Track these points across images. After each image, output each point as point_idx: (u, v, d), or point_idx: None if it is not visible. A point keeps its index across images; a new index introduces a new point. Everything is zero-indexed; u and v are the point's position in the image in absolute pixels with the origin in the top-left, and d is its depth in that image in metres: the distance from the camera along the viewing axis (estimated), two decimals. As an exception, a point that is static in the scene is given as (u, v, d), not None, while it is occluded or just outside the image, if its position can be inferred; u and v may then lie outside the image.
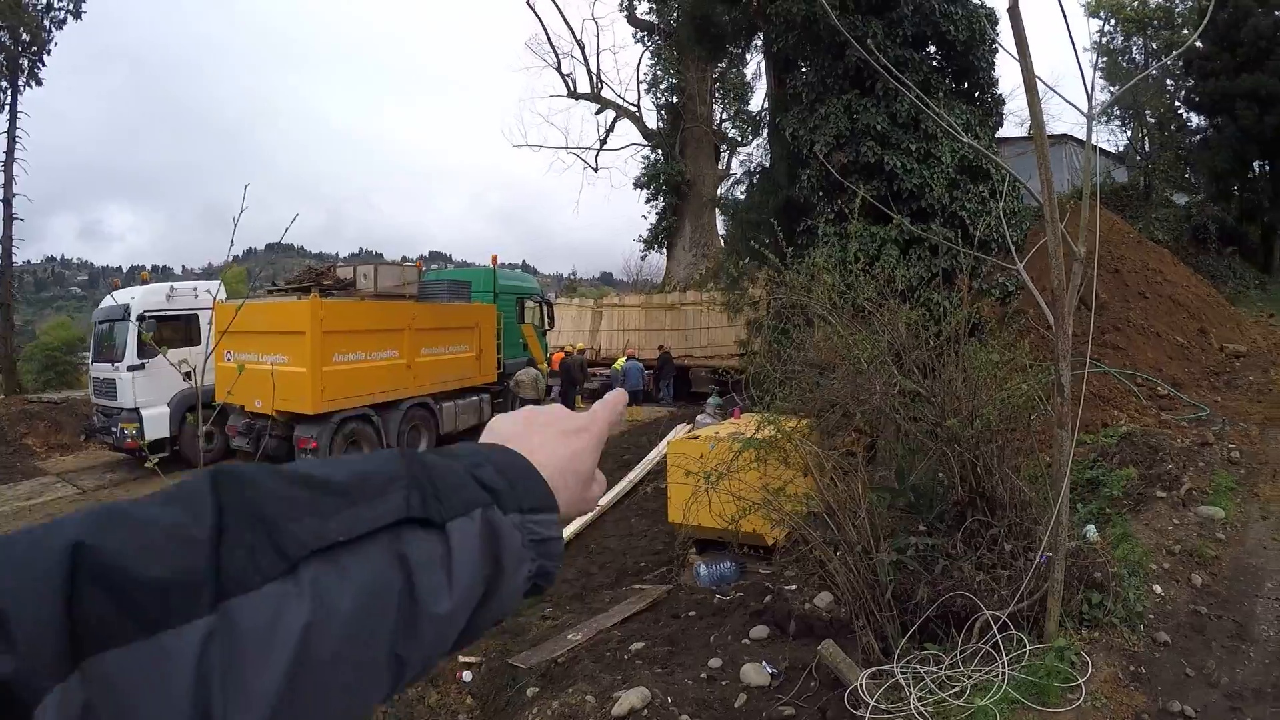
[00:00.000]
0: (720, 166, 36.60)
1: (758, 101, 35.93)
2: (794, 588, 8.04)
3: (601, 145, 40.75)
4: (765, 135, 22.47)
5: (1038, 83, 5.05)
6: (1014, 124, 30.91)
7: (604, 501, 13.33)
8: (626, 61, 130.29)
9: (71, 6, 26.67)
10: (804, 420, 7.27)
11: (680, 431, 15.75)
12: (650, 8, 35.06)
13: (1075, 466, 6.87)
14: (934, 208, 14.07)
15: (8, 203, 26.53)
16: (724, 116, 37.60)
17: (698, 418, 18.75)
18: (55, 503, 16.00)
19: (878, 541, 6.26)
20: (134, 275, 27.20)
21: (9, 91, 26.44)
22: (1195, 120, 33.08)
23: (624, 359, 26.12)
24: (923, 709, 5.08)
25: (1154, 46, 40.17)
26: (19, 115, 26.43)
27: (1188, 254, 26.52)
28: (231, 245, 3.56)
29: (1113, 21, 40.19)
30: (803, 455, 6.81)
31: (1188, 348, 16.04)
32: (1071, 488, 5.64)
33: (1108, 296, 16.06)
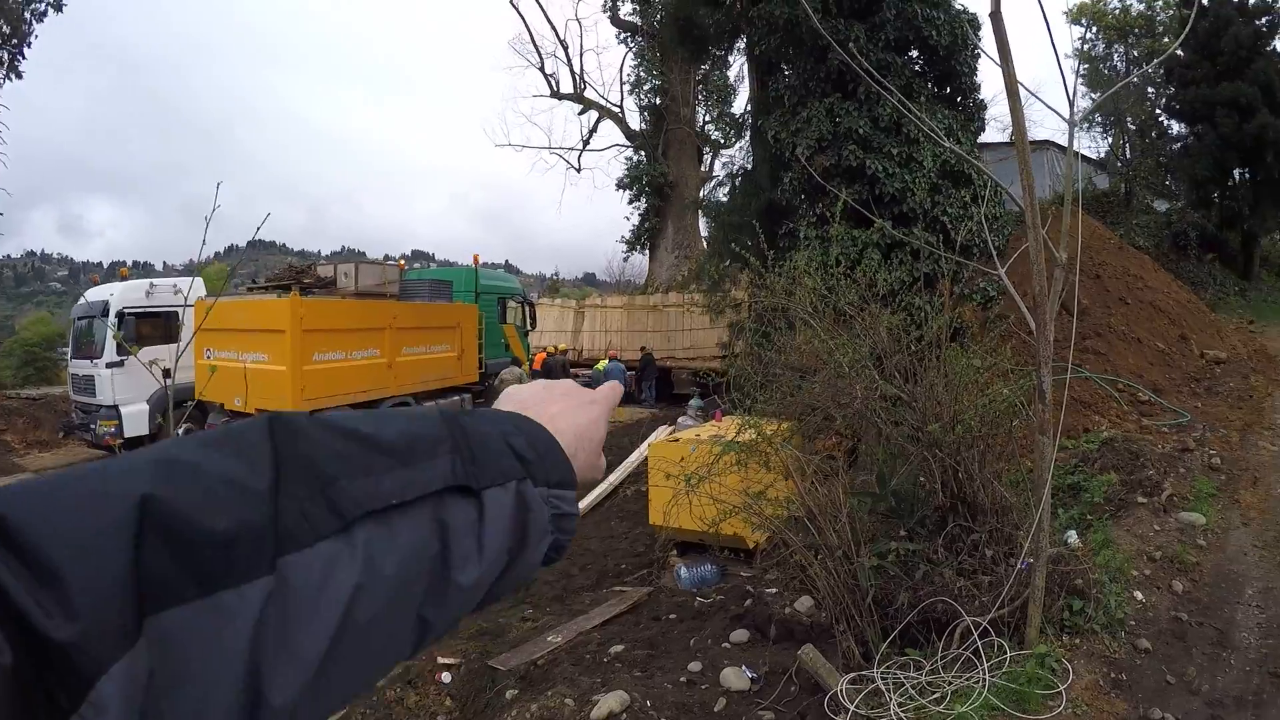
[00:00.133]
0: (703, 168, 36.67)
1: (740, 104, 36.05)
2: (775, 591, 8.02)
3: (584, 146, 40.80)
4: (748, 138, 22.54)
5: (1020, 88, 5.04)
6: (996, 129, 31.02)
7: (585, 503, 13.30)
8: (610, 62, 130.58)
9: (53, 0, 26.45)
10: (785, 424, 7.25)
11: (662, 433, 15.73)
12: (634, 9, 35.06)
13: (1056, 472, 6.86)
14: (916, 212, 14.09)
15: (-13, 196, 26.29)
16: (707, 118, 37.68)
17: (679, 419, 18.74)
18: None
19: (859, 546, 6.24)
20: (115, 271, 26.96)
21: (-11, 83, 26.22)
22: (1176, 128, 33.37)
23: (606, 360, 26.08)
24: (903, 715, 5.06)
25: (1135, 54, 40.51)
26: (-2, 108, 26.18)
27: (1168, 260, 26.70)
28: (204, 244, 3.49)
29: (1094, 29, 40.49)
30: (783, 459, 6.79)
31: (1168, 354, 16.12)
32: (1053, 493, 5.64)
33: (1089, 302, 16.12)
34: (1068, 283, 5.26)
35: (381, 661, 0.67)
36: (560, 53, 39.67)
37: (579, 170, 41.45)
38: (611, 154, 44.19)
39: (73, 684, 0.48)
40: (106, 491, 0.53)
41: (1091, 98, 36.46)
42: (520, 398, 0.99)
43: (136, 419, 16.89)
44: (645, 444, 14.97)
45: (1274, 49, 28.34)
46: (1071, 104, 5.16)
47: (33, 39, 26.43)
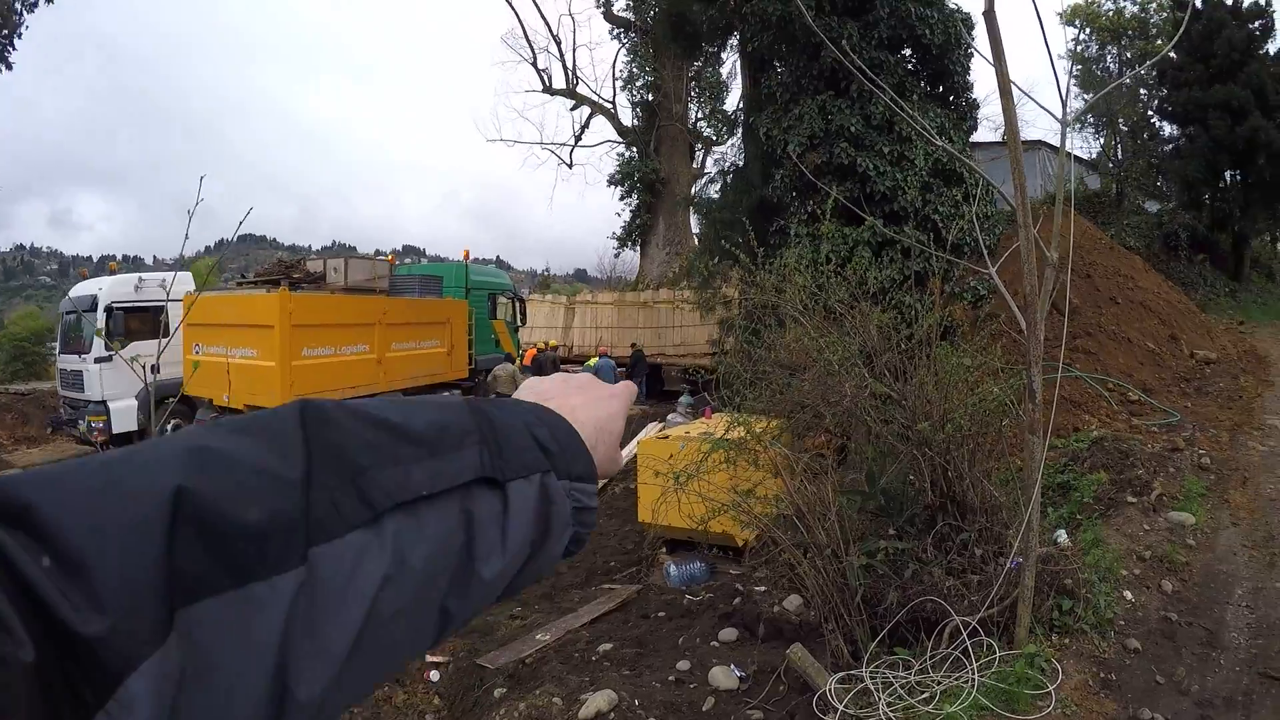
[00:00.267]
0: (695, 165, 36.65)
1: (733, 101, 36.11)
2: (764, 589, 8.01)
3: (576, 142, 40.85)
4: (740, 135, 22.53)
5: (1012, 88, 5.03)
6: (988, 129, 31.07)
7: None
8: (603, 58, 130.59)
9: (44, -11, 26.25)
10: (774, 421, 7.23)
11: (651, 430, 15.70)
12: (627, 4, 35.09)
13: (1046, 471, 6.86)
14: (907, 210, 14.12)
15: (-24, 189, 26.14)
16: (699, 115, 37.67)
17: (669, 416, 18.71)
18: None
19: (847, 545, 6.22)
20: (104, 265, 26.89)
21: (-23, 75, 26.05)
22: (1168, 129, 33.35)
23: (596, 357, 26.08)
24: (892, 715, 5.04)
25: (1128, 56, 40.57)
26: (-12, 100, 25.96)
27: (1159, 261, 26.75)
28: (186, 238, 3.44)
29: (1088, 30, 40.53)
30: (772, 456, 6.77)
31: (1159, 354, 16.14)
32: (1042, 492, 5.63)
33: (1080, 302, 16.13)
34: (1058, 282, 5.25)
35: (403, 653, 0.66)
36: (553, 48, 39.86)
37: (571, 166, 41.56)
38: (603, 150, 44.38)
39: (99, 680, 0.47)
40: (138, 482, 0.53)
41: (1084, 98, 36.52)
42: (541, 389, 0.98)
43: (125, 414, 16.84)
44: (635, 441, 14.95)
45: (1267, 52, 28.39)
46: (1064, 104, 5.14)
47: (23, 30, 26.27)
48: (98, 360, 16.70)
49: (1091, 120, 42.98)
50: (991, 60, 4.98)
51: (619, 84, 37.88)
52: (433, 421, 0.71)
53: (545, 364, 23.25)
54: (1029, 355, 5.14)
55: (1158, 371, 15.45)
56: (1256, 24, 28.52)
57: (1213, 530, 8.33)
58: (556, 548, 0.81)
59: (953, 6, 16.18)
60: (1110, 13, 40.81)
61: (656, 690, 6.27)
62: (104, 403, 16.82)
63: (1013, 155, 5.11)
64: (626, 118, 37.53)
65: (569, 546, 0.84)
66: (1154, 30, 39.05)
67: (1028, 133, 27.07)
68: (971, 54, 15.83)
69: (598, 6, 35.72)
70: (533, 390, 0.99)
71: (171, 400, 5.91)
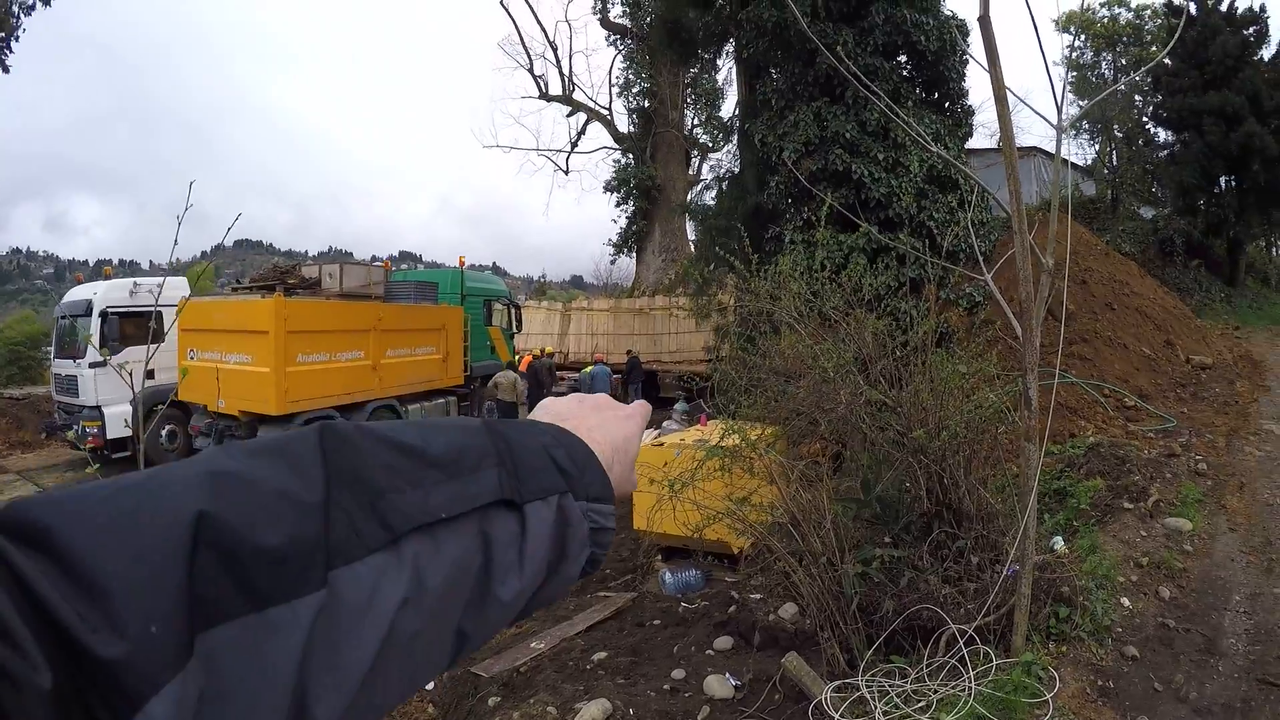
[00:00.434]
0: (691, 172, 36.69)
1: (729, 108, 36.01)
2: (759, 597, 7.97)
3: (572, 148, 40.83)
4: (736, 141, 22.53)
5: (1008, 94, 5.01)
6: (983, 135, 31.15)
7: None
8: (599, 65, 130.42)
9: (40, -8, 26.18)
10: (769, 429, 7.20)
11: (646, 437, 15.65)
12: (624, 11, 35.14)
13: (1042, 477, 6.84)
14: (902, 217, 14.14)
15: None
16: (695, 122, 37.70)
17: (664, 424, 18.68)
18: (15, 504, 15.72)
19: (843, 553, 6.20)
20: (100, 269, 26.80)
21: (-24, 79, 25.98)
22: (1163, 135, 33.50)
23: (592, 364, 26.07)
24: (887, 724, 5.01)
25: (1123, 62, 40.62)
26: (-14, 103, 25.93)
27: (1154, 267, 26.83)
28: (176, 243, 3.42)
29: (1083, 37, 40.58)
30: (767, 464, 6.74)
31: (1154, 359, 16.15)
32: (1038, 499, 5.60)
33: (1075, 308, 16.14)
34: (1054, 288, 5.24)
35: (421, 674, 0.66)
36: (549, 54, 39.77)
37: (567, 172, 41.53)
38: (599, 156, 44.28)
39: (119, 705, 0.47)
40: (159, 506, 0.53)
41: (1079, 105, 36.64)
42: (557, 410, 0.98)
43: (120, 420, 16.80)
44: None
45: (1261, 58, 28.49)
46: (1059, 110, 5.13)
47: (21, 32, 26.20)
48: (92, 365, 16.66)
49: (1087, 126, 43.05)
50: (986, 66, 4.96)
51: (615, 90, 37.96)
52: (451, 444, 0.71)
53: (541, 371, 23.20)
54: (1024, 361, 5.12)
55: (1153, 377, 15.46)
56: (1250, 30, 28.63)
57: (1210, 536, 8.32)
58: (573, 569, 0.81)
59: (948, 13, 16.22)
60: (1105, 19, 40.89)
61: (651, 699, 6.23)
62: (99, 408, 16.81)
63: (1008, 161, 5.09)
64: (623, 124, 37.59)
65: (585, 567, 0.83)
66: (1149, 37, 39.16)
67: (1023, 139, 27.16)
68: (967, 60, 15.87)
69: (594, 13, 35.82)
70: (549, 411, 0.98)
71: (160, 407, 5.85)
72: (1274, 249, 36.29)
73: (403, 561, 0.61)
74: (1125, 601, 6.68)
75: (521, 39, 38.75)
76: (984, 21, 4.85)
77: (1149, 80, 31.93)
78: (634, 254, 36.09)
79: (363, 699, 0.59)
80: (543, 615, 9.10)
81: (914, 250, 8.79)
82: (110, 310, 16.84)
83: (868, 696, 5.31)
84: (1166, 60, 28.32)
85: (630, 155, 35.61)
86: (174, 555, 0.50)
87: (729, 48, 20.56)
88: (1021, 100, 5.66)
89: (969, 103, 16.83)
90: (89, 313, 16.85)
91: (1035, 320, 5.09)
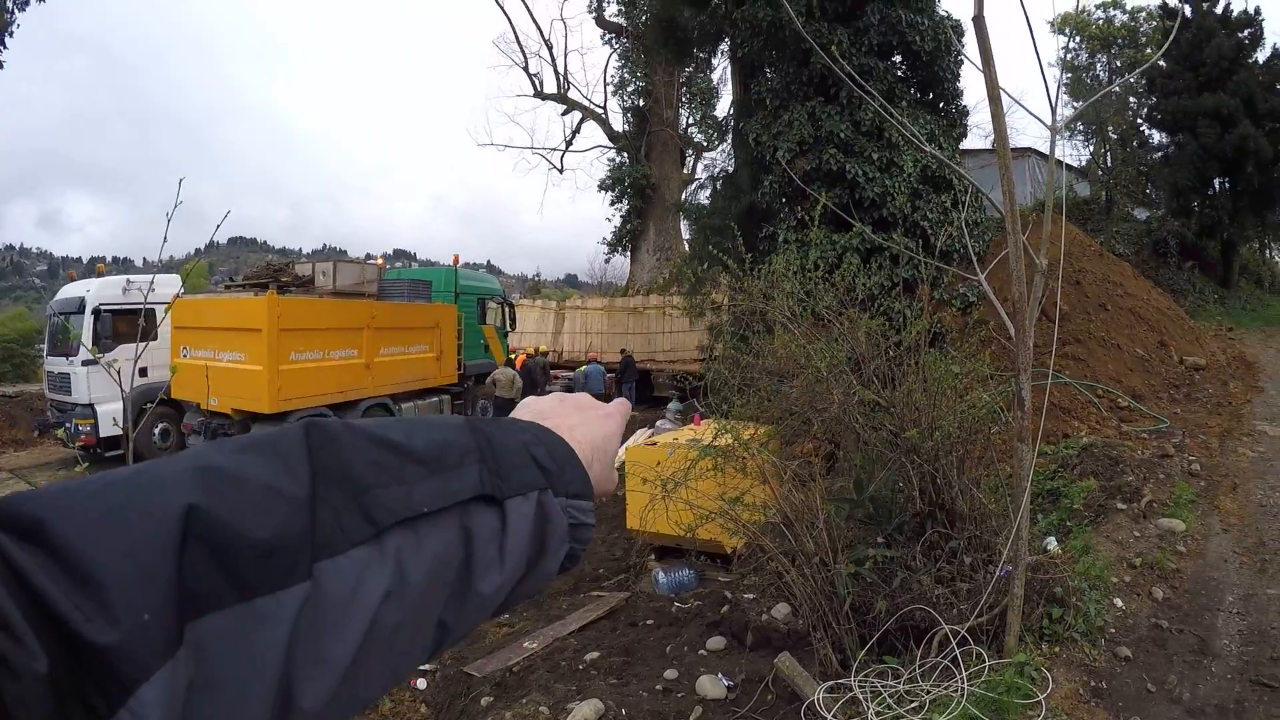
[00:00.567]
0: (685, 171, 36.71)
1: (724, 107, 36.03)
2: (752, 597, 7.97)
3: (567, 146, 40.85)
4: (730, 140, 22.55)
5: (1002, 95, 5.00)
6: (978, 136, 31.13)
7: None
8: (594, 63, 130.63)
9: (37, -13, 26.05)
10: (762, 428, 7.19)
11: (640, 436, 15.67)
12: (619, 10, 35.08)
13: (1036, 477, 6.85)
14: (895, 217, 14.15)
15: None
16: (690, 121, 37.69)
17: (657, 423, 18.69)
18: (8, 501, 15.71)
19: (836, 553, 6.19)
20: (94, 267, 26.77)
21: (-32, 75, 25.84)
22: (1157, 137, 33.51)
23: (586, 363, 26.06)
24: (879, 725, 5.01)
25: (1118, 64, 40.68)
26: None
27: (1148, 268, 26.86)
28: (165, 240, 3.41)
29: (1078, 39, 40.63)
30: (760, 464, 6.73)
31: (1148, 360, 16.18)
32: (1032, 499, 5.61)
33: (1069, 308, 16.16)
34: (1048, 289, 5.23)
35: (403, 665, 0.68)
36: (544, 53, 39.85)
37: (561, 171, 41.52)
38: (594, 155, 44.43)
39: (112, 689, 0.48)
40: (150, 500, 0.54)
41: (1074, 106, 36.66)
42: (538, 408, 1.00)
43: (113, 418, 16.75)
44: (623, 447, 14.91)
45: (1256, 61, 28.54)
46: (1054, 111, 5.13)
47: (15, 28, 26.10)
48: (85, 363, 16.61)
49: (1081, 128, 43.13)
50: (981, 66, 4.95)
51: (610, 89, 37.90)
52: (433, 441, 0.73)
53: (535, 370, 23.17)
54: (1018, 362, 5.12)
55: (1147, 378, 15.48)
56: (1245, 33, 28.69)
57: (1203, 537, 8.33)
58: (552, 564, 0.82)
59: (943, 13, 16.24)
60: (1100, 21, 40.96)
61: (644, 699, 6.22)
62: (91, 406, 16.77)
63: (1001, 161, 5.08)
64: (618, 123, 37.56)
65: (564, 563, 0.85)
66: (1144, 39, 39.25)
67: (1017, 140, 27.14)
68: (961, 61, 15.89)
69: (590, 11, 35.76)
70: (530, 409, 1.00)
71: (150, 405, 5.85)
72: (1267, 251, 36.36)
73: (385, 555, 0.63)
74: (1118, 602, 6.69)
75: (516, 37, 38.80)
76: (978, 22, 4.84)
77: (1144, 82, 31.98)
78: (628, 253, 36.08)
79: (346, 688, 0.60)
80: (536, 615, 9.10)
81: (908, 250, 8.76)
82: (103, 308, 16.77)
83: (860, 697, 5.30)
84: (1161, 62, 28.33)
85: (625, 154, 35.57)
86: (164, 547, 0.52)
87: (724, 47, 20.57)
88: (1016, 101, 5.67)
89: (964, 103, 16.86)
90: (82, 310, 16.80)
91: (1029, 321, 5.08)
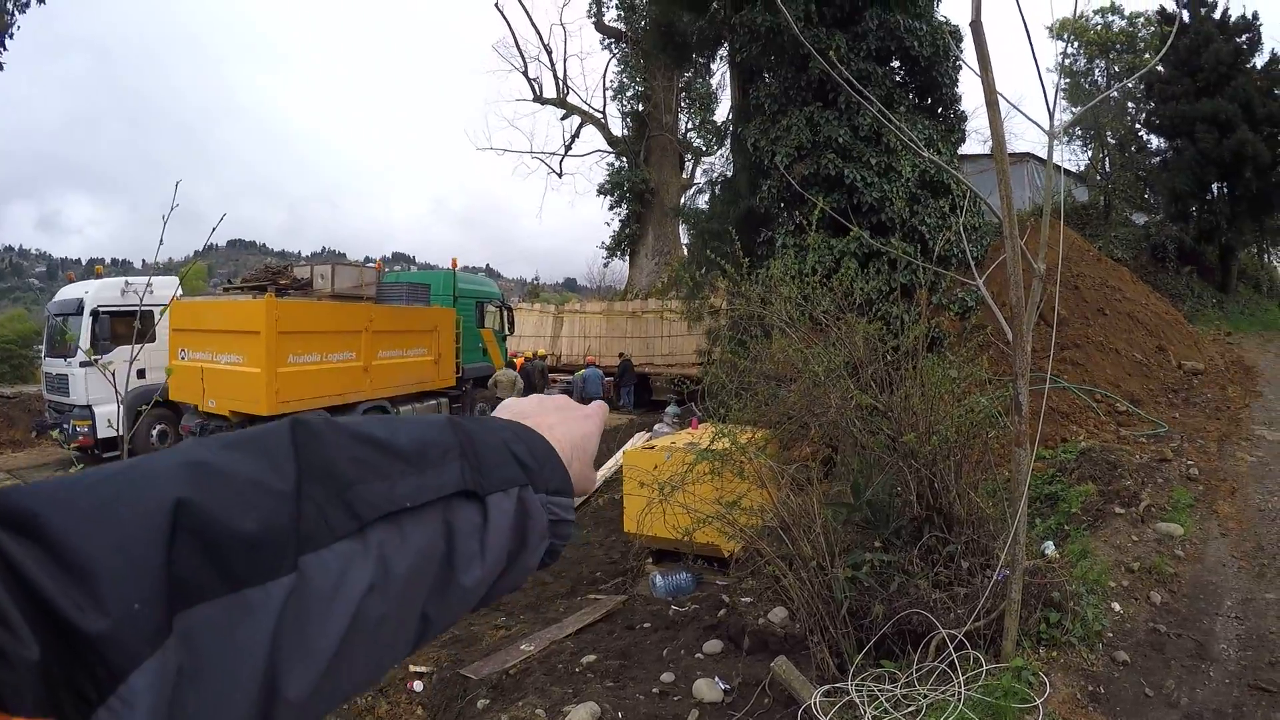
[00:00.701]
0: (684, 175, 36.77)
1: (723, 112, 36.11)
2: (749, 601, 7.96)
3: (566, 151, 40.97)
4: (729, 145, 22.57)
5: (1000, 99, 5.00)
6: (976, 141, 31.17)
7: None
8: (593, 68, 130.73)
9: (36, -10, 25.98)
10: (760, 433, 7.19)
11: (638, 440, 15.67)
12: (618, 15, 35.16)
13: (1033, 482, 6.84)
14: (894, 221, 14.16)
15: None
16: (689, 126, 37.80)
17: (655, 427, 18.70)
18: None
19: (833, 557, 6.18)
20: (92, 268, 26.75)
21: (-32, 77, 25.80)
22: (1155, 142, 33.45)
23: (585, 367, 26.07)
24: (876, 729, 5.00)
25: (1116, 70, 40.72)
26: (-23, 100, 25.79)
27: (1146, 272, 26.84)
28: (161, 243, 3.41)
29: (1076, 44, 40.69)
30: (757, 468, 6.73)
31: (1146, 365, 16.16)
32: (1030, 503, 5.60)
33: (1067, 313, 16.15)
34: (1046, 293, 5.23)
35: (387, 656, 0.69)
36: (544, 57, 39.87)
37: (560, 175, 41.71)
38: (593, 159, 44.55)
39: (102, 677, 0.49)
40: (140, 494, 0.55)
41: (1072, 111, 36.68)
42: (519, 408, 1.02)
43: (110, 419, 16.74)
44: (621, 451, 14.94)
45: (1254, 66, 28.50)
46: (1051, 116, 5.13)
47: (15, 29, 26.06)
48: (83, 364, 16.61)
49: (1079, 133, 43.25)
50: (978, 71, 4.96)
51: (609, 94, 38.05)
52: (416, 437, 0.74)
53: (533, 374, 23.17)
54: (1016, 367, 5.12)
55: (1145, 382, 15.47)
56: (1244, 38, 28.66)
57: (1201, 541, 8.32)
58: (533, 558, 0.84)
59: (941, 18, 16.27)
60: (1098, 26, 41.03)
61: (640, 703, 6.21)
62: (89, 407, 16.80)
63: (999, 166, 5.08)
64: (617, 128, 37.69)
65: (545, 558, 0.87)
66: (1142, 44, 39.32)
67: (1016, 145, 27.26)
68: (960, 66, 15.91)
69: (589, 16, 35.87)
70: (511, 409, 1.02)
71: (145, 408, 5.84)
72: (1266, 255, 36.32)
73: (369, 549, 0.64)
74: (1116, 606, 6.68)
75: (516, 42, 39.01)
76: (976, 27, 4.84)
77: (1142, 87, 31.97)
78: (627, 257, 36.17)
79: (330, 679, 0.61)
80: (532, 618, 9.11)
81: (906, 255, 8.79)
82: (101, 309, 16.82)
83: (857, 701, 5.29)
84: (1159, 67, 28.34)
85: (624, 159, 35.67)
86: (154, 539, 0.53)
87: (723, 52, 20.58)
88: (1014, 106, 5.67)
89: (962, 108, 16.89)
90: (80, 312, 16.83)
91: (1027, 325, 5.08)
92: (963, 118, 16.91)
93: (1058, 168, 27.15)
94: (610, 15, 35.72)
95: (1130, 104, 38.09)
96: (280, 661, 0.57)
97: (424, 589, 0.70)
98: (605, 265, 41.04)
